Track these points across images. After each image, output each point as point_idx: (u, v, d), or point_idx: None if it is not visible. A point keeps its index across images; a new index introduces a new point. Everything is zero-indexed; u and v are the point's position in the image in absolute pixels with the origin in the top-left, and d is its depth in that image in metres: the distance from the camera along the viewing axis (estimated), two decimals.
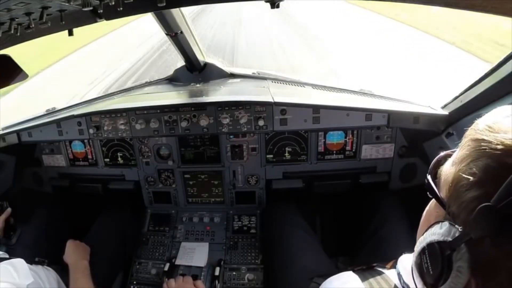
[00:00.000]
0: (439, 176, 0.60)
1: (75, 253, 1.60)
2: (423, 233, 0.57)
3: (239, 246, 1.95)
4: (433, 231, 0.54)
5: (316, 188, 2.01)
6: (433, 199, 0.62)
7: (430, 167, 0.63)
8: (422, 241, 0.57)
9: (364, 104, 1.74)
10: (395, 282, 0.75)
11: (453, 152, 0.60)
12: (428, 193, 0.61)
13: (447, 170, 0.57)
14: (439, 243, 0.52)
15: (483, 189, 0.48)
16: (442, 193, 0.57)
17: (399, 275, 0.75)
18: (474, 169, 0.50)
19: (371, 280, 0.78)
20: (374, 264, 0.88)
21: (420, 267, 0.57)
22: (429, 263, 0.54)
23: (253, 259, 1.89)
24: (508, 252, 0.46)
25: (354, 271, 0.85)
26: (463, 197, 0.50)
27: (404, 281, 0.72)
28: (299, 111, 1.77)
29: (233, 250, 1.94)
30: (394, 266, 0.81)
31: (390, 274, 0.80)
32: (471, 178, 0.49)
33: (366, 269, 0.85)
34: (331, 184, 2.01)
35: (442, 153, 0.63)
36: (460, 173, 0.52)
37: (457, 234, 0.50)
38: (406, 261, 0.75)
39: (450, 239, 0.51)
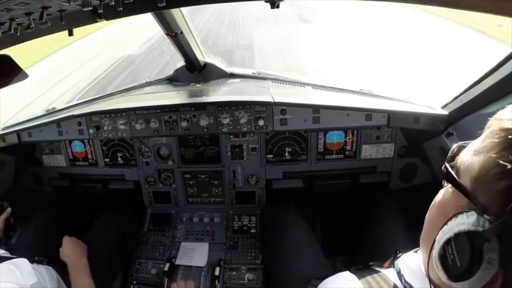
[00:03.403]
0: (458, 166, 0.59)
1: (73, 252, 1.59)
2: (442, 226, 0.55)
3: (239, 246, 1.95)
4: (460, 221, 0.52)
5: (316, 188, 2.01)
6: (444, 190, 0.61)
7: (448, 157, 0.62)
8: (447, 231, 0.54)
9: (364, 104, 1.74)
10: (394, 281, 0.73)
11: (467, 143, 0.59)
12: (446, 182, 0.60)
13: (469, 159, 0.55)
14: (468, 233, 0.50)
15: None
16: (464, 183, 0.55)
17: (399, 274, 0.73)
18: (510, 156, 0.48)
19: (369, 279, 0.76)
20: (371, 263, 0.86)
21: (444, 258, 0.54)
22: (455, 255, 0.52)
23: (253, 259, 1.88)
24: None
25: (350, 271, 0.83)
26: (496, 186, 0.48)
27: (406, 280, 0.70)
28: (299, 111, 1.77)
29: (233, 250, 1.93)
30: (392, 265, 0.80)
31: (388, 273, 0.77)
32: (508, 165, 0.47)
33: (363, 269, 0.84)
34: (331, 184, 2.01)
35: (455, 144, 0.62)
36: (491, 162, 0.50)
37: (487, 224, 0.48)
38: (410, 260, 0.74)
39: (480, 229, 0.48)
